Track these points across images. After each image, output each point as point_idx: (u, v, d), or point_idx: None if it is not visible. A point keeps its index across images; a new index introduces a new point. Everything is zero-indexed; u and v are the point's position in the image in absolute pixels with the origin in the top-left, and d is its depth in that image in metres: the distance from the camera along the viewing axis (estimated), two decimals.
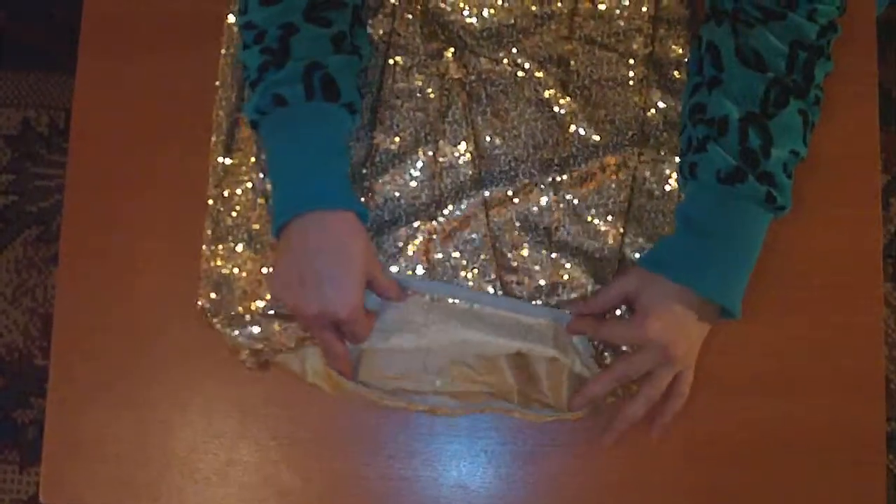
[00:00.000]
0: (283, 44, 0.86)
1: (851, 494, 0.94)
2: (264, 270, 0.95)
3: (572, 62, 0.98)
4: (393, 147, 0.97)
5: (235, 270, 0.95)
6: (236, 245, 0.96)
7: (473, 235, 0.95)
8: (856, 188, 0.98)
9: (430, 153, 0.96)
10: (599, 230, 0.95)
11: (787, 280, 0.95)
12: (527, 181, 0.96)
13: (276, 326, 0.93)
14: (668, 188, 0.96)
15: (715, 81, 0.89)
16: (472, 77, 0.98)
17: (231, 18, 0.99)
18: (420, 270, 0.94)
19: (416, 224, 0.95)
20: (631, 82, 0.97)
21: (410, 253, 0.94)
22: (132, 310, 0.97)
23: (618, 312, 0.93)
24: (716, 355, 0.93)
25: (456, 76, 0.98)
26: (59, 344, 0.97)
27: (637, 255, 0.95)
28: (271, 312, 0.93)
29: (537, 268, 0.95)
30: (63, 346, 0.97)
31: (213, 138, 0.98)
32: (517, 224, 0.95)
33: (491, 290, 0.94)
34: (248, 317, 0.93)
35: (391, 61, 0.98)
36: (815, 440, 0.94)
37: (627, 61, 0.98)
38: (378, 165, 0.97)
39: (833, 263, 0.96)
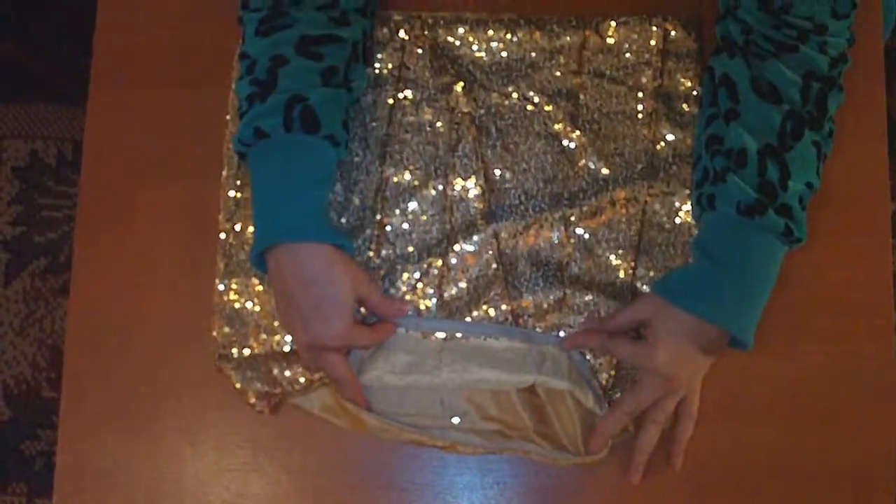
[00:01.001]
0: (271, 75, 0.87)
1: None
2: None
3: (581, 96, 0.99)
4: (403, 181, 0.97)
5: (249, 305, 0.95)
6: (249, 279, 0.96)
7: (485, 271, 0.95)
8: (866, 217, 0.98)
9: (441, 187, 0.97)
10: (611, 264, 0.95)
11: (797, 309, 0.95)
12: (537, 215, 0.96)
13: (286, 373, 0.93)
14: (678, 221, 0.96)
15: (732, 114, 0.89)
16: (482, 111, 0.99)
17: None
18: (433, 307, 0.95)
19: (428, 260, 0.95)
20: (640, 115, 0.98)
21: (423, 289, 0.95)
22: (143, 342, 0.96)
23: None
24: (726, 384, 0.94)
25: (465, 110, 0.98)
26: (69, 376, 0.97)
27: (647, 289, 0.95)
28: (286, 349, 0.94)
29: (549, 304, 0.95)
30: (74, 377, 0.97)
31: (224, 172, 0.98)
32: (528, 259, 0.96)
33: (501, 319, 0.94)
34: (257, 360, 0.94)
35: (401, 95, 0.99)
36: (826, 468, 0.93)
37: (636, 94, 0.98)
38: (389, 199, 0.97)
39: (843, 292, 0.96)
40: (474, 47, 1.00)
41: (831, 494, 0.94)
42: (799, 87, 0.87)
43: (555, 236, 0.96)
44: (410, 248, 0.96)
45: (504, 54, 1.00)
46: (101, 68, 1.02)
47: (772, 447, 0.94)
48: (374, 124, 0.98)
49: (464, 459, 0.94)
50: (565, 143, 0.97)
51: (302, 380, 0.93)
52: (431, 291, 0.95)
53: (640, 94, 0.98)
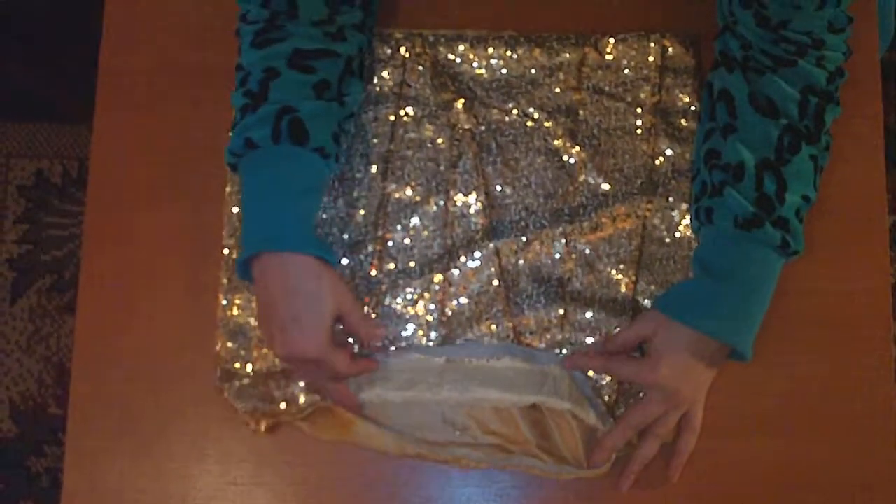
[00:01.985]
0: (263, 87, 0.88)
1: None
2: None
3: (581, 112, 0.99)
4: (405, 197, 0.98)
5: (251, 320, 0.96)
6: (252, 295, 0.97)
7: (486, 287, 0.96)
8: (864, 229, 0.98)
9: (442, 203, 0.98)
10: (612, 279, 0.96)
11: (796, 320, 0.96)
12: (538, 231, 0.97)
13: (286, 391, 0.94)
14: (678, 235, 0.97)
15: (730, 128, 0.90)
16: (483, 127, 0.99)
17: None
18: (434, 322, 0.95)
19: (429, 275, 0.96)
20: (639, 131, 0.99)
21: (424, 306, 0.96)
22: (148, 359, 0.97)
23: None
24: (724, 397, 0.94)
25: (466, 126, 0.99)
26: (76, 394, 0.97)
27: (648, 303, 0.96)
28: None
29: (551, 321, 0.96)
30: (81, 395, 0.97)
31: (228, 188, 0.99)
32: (529, 275, 0.96)
33: (503, 335, 0.95)
34: (257, 379, 0.95)
35: (402, 112, 1.00)
36: (824, 481, 0.94)
37: (635, 110, 0.99)
38: (390, 215, 0.98)
39: (842, 304, 0.96)
40: (475, 64, 1.01)
41: None
42: (797, 102, 0.87)
43: (556, 252, 0.97)
44: (412, 264, 0.97)
45: (504, 71, 1.01)
46: (107, 90, 1.03)
47: (771, 458, 0.94)
48: (375, 140, 0.99)
49: (467, 472, 0.94)
50: (565, 158, 0.98)
51: (301, 399, 0.94)
52: (433, 307, 0.96)
53: (639, 110, 0.99)
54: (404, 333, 0.95)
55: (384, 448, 0.92)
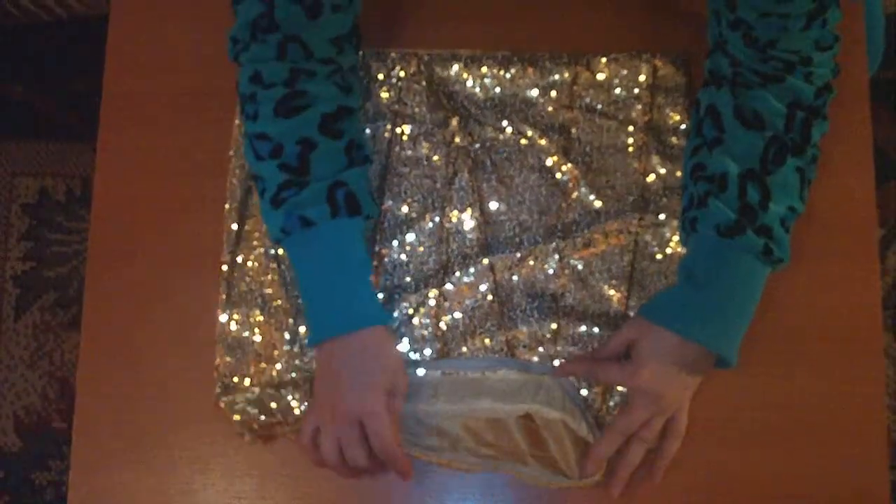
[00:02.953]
0: (303, 161, 0.88)
1: None
2: (278, 335, 0.97)
3: (573, 130, 1.01)
4: (401, 213, 0.99)
5: (248, 334, 0.97)
6: (251, 310, 0.98)
7: (481, 302, 0.97)
8: (854, 243, 0.99)
9: (438, 219, 0.99)
10: (605, 294, 0.97)
11: (787, 333, 0.96)
12: (532, 247, 0.98)
13: (282, 402, 0.95)
14: (669, 251, 0.98)
15: (716, 141, 0.91)
16: (477, 145, 1.01)
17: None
18: (429, 336, 0.96)
19: (425, 291, 0.97)
20: (630, 149, 1.00)
21: (419, 320, 0.97)
22: (152, 374, 0.98)
23: None
24: (716, 407, 0.95)
25: (461, 144, 1.00)
26: (81, 409, 0.98)
27: None
28: (288, 376, 0.96)
29: (545, 334, 0.97)
30: (85, 410, 0.98)
31: (227, 205, 1.00)
32: (523, 290, 0.97)
33: (498, 357, 0.96)
34: (249, 394, 0.96)
35: (398, 130, 1.01)
36: (816, 492, 0.94)
37: (627, 128, 1.00)
38: (387, 231, 0.99)
39: (833, 316, 0.97)
40: (469, 83, 1.02)
41: None
42: (783, 116, 0.89)
43: (549, 267, 0.98)
44: (408, 279, 0.98)
45: (498, 90, 1.02)
46: (111, 110, 1.04)
47: (764, 469, 0.95)
48: (372, 157, 1.00)
49: (466, 485, 0.95)
50: (558, 176, 0.99)
51: (297, 411, 0.95)
52: (428, 321, 0.97)
53: (631, 128, 1.00)
54: (400, 348, 0.96)
55: None
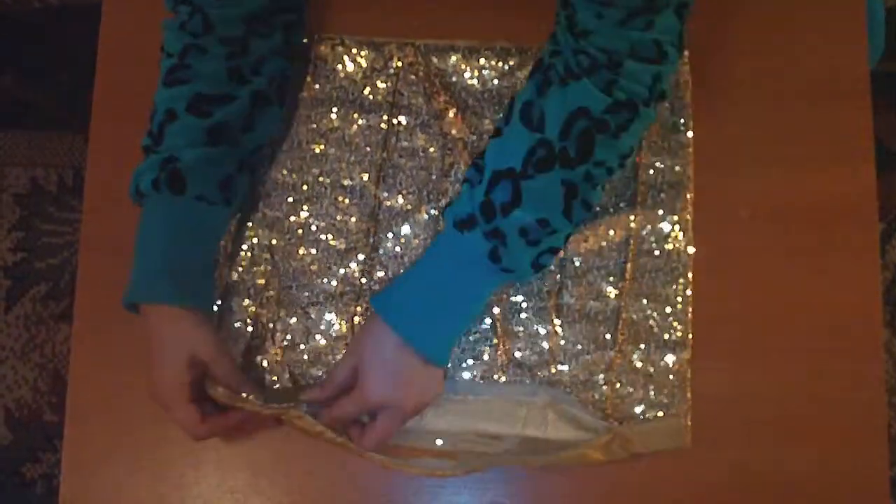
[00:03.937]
0: (161, 131, 0.89)
1: None
2: (270, 325, 0.97)
3: None
4: (396, 205, 0.99)
5: (238, 325, 0.97)
6: (242, 300, 0.98)
7: None
8: (855, 238, 0.98)
9: (434, 211, 0.99)
10: (602, 291, 0.96)
11: (786, 329, 0.96)
12: None
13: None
14: (667, 247, 0.97)
15: (498, 132, 0.87)
16: (474, 137, 1.00)
17: None
18: None
19: None
20: None
21: None
22: (145, 366, 0.96)
23: None
24: (716, 403, 0.95)
25: (458, 136, 1.00)
26: (73, 401, 0.98)
27: (636, 316, 0.96)
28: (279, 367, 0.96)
29: (540, 331, 0.96)
30: (78, 403, 0.98)
31: None
32: (519, 287, 0.97)
33: (492, 354, 0.96)
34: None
35: (395, 121, 1.01)
36: (817, 488, 0.94)
37: None
38: (382, 223, 0.99)
39: (833, 312, 0.97)
40: (466, 75, 1.02)
41: None
42: (563, 121, 0.81)
43: None
44: (402, 272, 0.97)
45: (496, 82, 1.01)
46: (103, 100, 1.04)
47: (760, 467, 0.95)
48: (368, 149, 1.00)
49: (460, 479, 0.95)
50: None
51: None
52: None
53: None
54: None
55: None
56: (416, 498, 0.95)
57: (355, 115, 1.01)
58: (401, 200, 0.99)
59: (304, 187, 0.99)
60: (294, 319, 0.97)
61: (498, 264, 0.83)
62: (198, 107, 0.89)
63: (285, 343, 0.97)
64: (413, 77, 1.02)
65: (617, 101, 0.80)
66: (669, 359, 0.95)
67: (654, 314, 0.96)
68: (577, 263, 0.97)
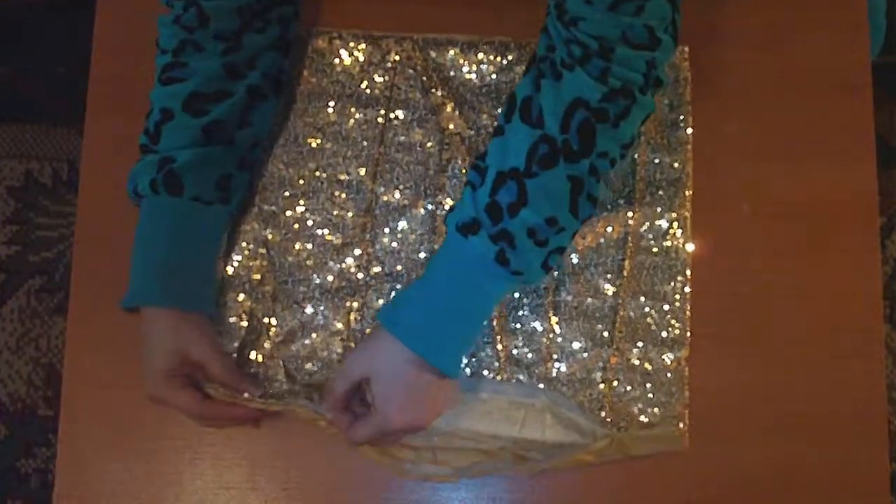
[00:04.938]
0: (157, 130, 0.89)
1: None
2: (265, 320, 0.97)
3: None
4: (393, 200, 0.99)
5: (233, 320, 0.97)
6: (237, 295, 0.97)
7: None
8: (855, 233, 0.98)
9: (430, 207, 0.98)
10: (600, 288, 0.96)
11: (787, 325, 0.96)
12: None
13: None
14: (665, 244, 0.97)
15: (499, 130, 0.85)
16: (472, 132, 1.00)
17: None
18: None
19: (416, 280, 0.95)
20: None
21: None
22: (141, 362, 0.96)
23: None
24: (714, 401, 0.94)
25: (455, 131, 0.99)
26: (68, 396, 0.97)
27: (634, 314, 0.95)
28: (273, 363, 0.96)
29: (537, 328, 0.96)
30: (73, 398, 0.97)
31: None
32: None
33: (489, 351, 0.95)
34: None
35: (392, 115, 1.00)
36: (817, 484, 0.94)
37: None
38: (378, 218, 0.98)
39: (834, 308, 0.97)
40: (464, 69, 1.01)
41: None
42: (561, 114, 0.80)
43: None
44: (399, 267, 0.97)
45: (494, 76, 1.01)
46: (97, 94, 1.03)
47: (760, 464, 0.94)
48: (364, 143, 1.00)
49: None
50: None
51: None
52: None
53: None
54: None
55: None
56: (415, 493, 0.95)
57: (352, 110, 1.00)
58: (397, 195, 0.98)
59: (301, 182, 0.99)
60: (289, 314, 0.97)
61: (506, 267, 0.81)
62: (194, 105, 0.89)
63: (280, 338, 0.96)
64: (410, 71, 1.01)
65: (612, 88, 0.80)
66: (668, 356, 0.95)
67: (653, 312, 0.95)
68: (575, 260, 0.96)
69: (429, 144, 0.99)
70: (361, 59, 1.02)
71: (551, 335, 0.95)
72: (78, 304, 0.99)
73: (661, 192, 0.98)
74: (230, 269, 0.98)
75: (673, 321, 0.95)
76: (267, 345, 0.96)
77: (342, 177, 0.99)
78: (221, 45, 0.90)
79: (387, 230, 0.98)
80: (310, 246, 0.98)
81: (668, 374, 0.94)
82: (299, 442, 0.95)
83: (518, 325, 0.96)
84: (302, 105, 1.01)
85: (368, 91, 1.01)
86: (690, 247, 0.97)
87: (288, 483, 0.95)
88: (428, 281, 0.86)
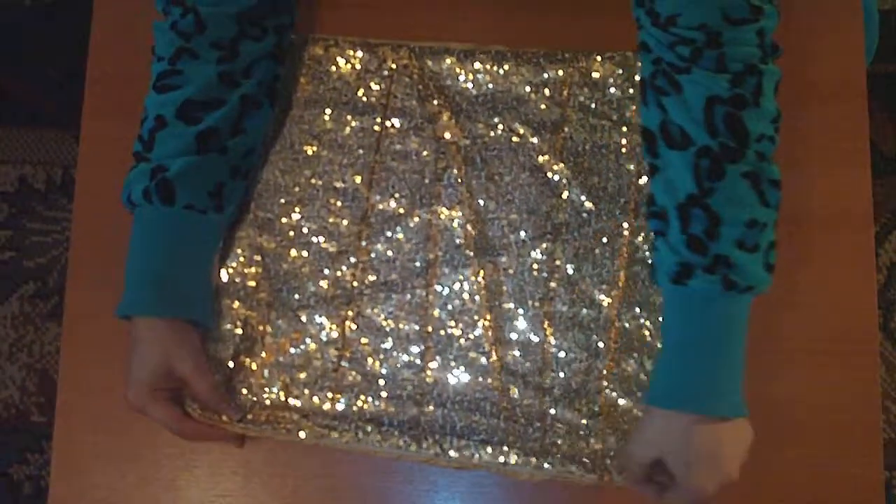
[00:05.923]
0: (151, 137, 0.89)
1: None
2: (260, 328, 0.96)
3: (566, 129, 0.99)
4: (389, 208, 0.98)
5: (227, 327, 0.97)
6: (232, 302, 0.97)
7: (469, 304, 0.96)
8: (850, 242, 0.98)
9: (426, 216, 0.98)
10: (594, 299, 0.95)
11: (782, 334, 0.96)
12: (521, 248, 0.96)
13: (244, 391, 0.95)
14: None
15: (653, 168, 0.85)
16: (468, 141, 0.99)
17: None
18: (415, 337, 0.95)
19: (411, 289, 0.96)
20: (624, 150, 0.98)
21: (405, 319, 0.96)
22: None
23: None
24: None
25: (451, 140, 0.99)
26: (63, 402, 0.97)
27: (629, 325, 0.95)
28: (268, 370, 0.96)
29: (532, 339, 0.95)
30: (67, 404, 0.97)
31: None
32: (512, 293, 0.96)
33: (485, 361, 0.94)
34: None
35: (388, 123, 1.00)
36: (811, 492, 0.94)
37: (621, 129, 0.98)
38: (374, 226, 0.98)
39: (828, 316, 0.96)
40: (461, 78, 1.01)
41: None
42: (701, 120, 0.79)
43: (538, 270, 0.96)
44: (394, 276, 0.97)
45: (491, 86, 1.01)
46: (94, 97, 1.04)
47: (755, 473, 0.92)
48: (360, 151, 1.00)
49: (454, 483, 0.94)
50: (549, 175, 0.98)
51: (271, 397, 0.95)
52: (413, 320, 0.96)
53: (625, 129, 0.98)
54: (384, 346, 0.95)
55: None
56: (412, 500, 0.94)
57: (348, 117, 1.00)
58: (393, 204, 0.98)
59: (296, 189, 0.99)
60: (284, 322, 0.97)
61: (736, 289, 0.79)
62: (187, 113, 0.89)
63: (275, 346, 0.96)
64: (407, 79, 1.01)
65: (735, 72, 0.79)
66: None
67: (648, 322, 0.95)
68: (570, 271, 0.96)
69: (425, 153, 0.99)
70: (358, 66, 1.02)
71: (546, 346, 0.95)
72: (73, 310, 0.99)
73: None
74: (225, 276, 0.98)
75: None
76: (261, 353, 0.96)
77: (338, 184, 0.99)
78: (217, 54, 0.90)
79: (382, 238, 0.98)
80: (305, 253, 0.98)
81: None
82: (294, 451, 0.95)
83: (513, 336, 0.95)
84: (298, 112, 1.01)
85: (365, 99, 1.01)
86: None
87: (283, 491, 0.95)
88: (672, 344, 0.84)
